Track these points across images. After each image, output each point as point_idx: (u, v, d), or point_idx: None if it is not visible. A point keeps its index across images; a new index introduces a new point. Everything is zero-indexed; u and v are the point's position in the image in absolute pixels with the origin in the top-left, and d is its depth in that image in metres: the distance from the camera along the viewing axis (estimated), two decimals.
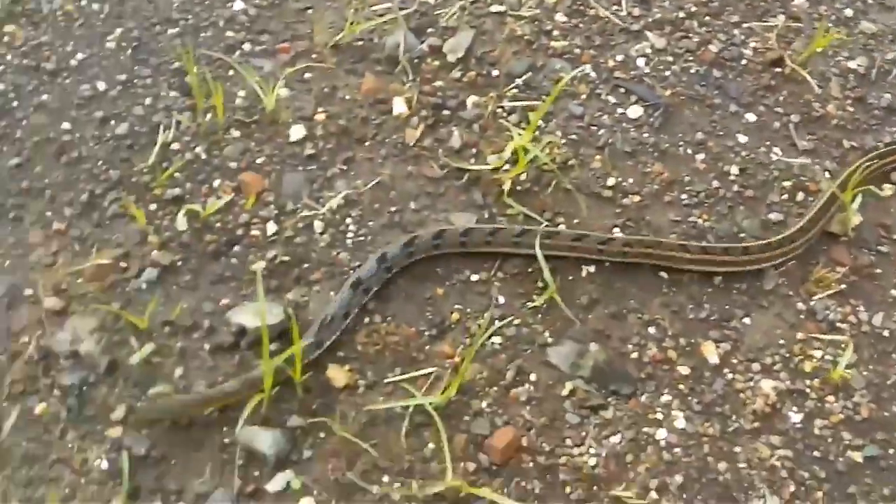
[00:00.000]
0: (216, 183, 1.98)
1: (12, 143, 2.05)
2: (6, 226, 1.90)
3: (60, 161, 2.01)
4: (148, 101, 2.13)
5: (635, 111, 2.18)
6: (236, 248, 1.88)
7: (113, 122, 2.09)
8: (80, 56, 2.25)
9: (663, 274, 1.89)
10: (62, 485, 1.57)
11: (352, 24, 2.27)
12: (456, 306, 1.82)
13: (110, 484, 1.57)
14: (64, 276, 1.81)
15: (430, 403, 1.64)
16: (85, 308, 1.77)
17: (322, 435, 1.63)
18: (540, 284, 1.84)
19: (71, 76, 2.22)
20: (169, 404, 1.66)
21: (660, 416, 1.69)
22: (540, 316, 1.82)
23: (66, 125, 2.08)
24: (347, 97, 2.16)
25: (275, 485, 1.57)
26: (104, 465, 1.59)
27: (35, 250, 1.86)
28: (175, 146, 2.03)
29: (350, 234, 1.92)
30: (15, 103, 2.15)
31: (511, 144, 1.97)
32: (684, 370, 1.76)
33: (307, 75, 2.21)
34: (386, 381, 1.71)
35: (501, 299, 1.83)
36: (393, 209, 1.96)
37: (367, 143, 2.08)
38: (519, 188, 1.99)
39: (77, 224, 1.90)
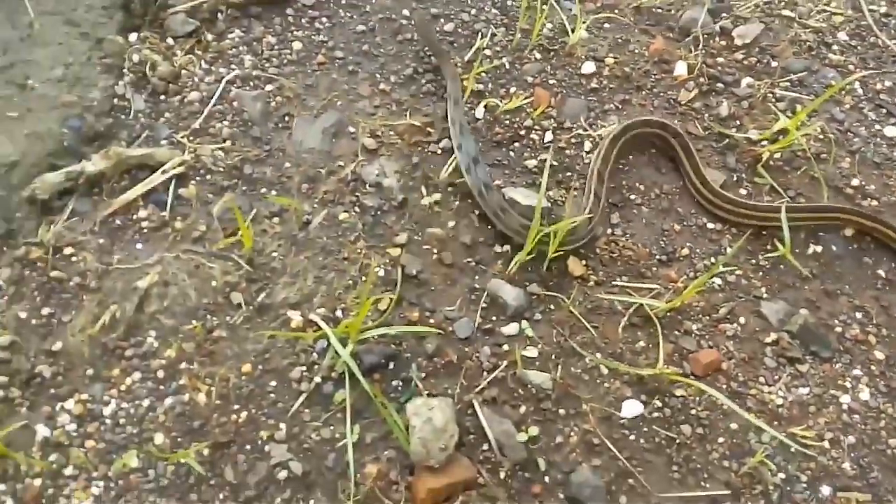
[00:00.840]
0: (512, 90, 2.33)
1: (361, 14, 2.47)
2: (344, 75, 2.32)
3: (396, 38, 2.42)
4: (473, 11, 2.51)
5: (891, 131, 2.36)
6: (516, 144, 2.22)
7: (442, 20, 2.48)
8: None
9: (881, 272, 2.08)
10: (346, 276, 1.95)
11: None
12: (688, 244, 2.08)
13: (382, 288, 1.94)
14: (380, 125, 2.21)
15: (652, 308, 1.92)
16: (392, 154, 2.16)
17: (552, 307, 1.94)
18: (769, 247, 2.07)
19: None
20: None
21: (848, 384, 1.89)
22: (761, 273, 2.05)
23: (405, 12, 2.48)
24: (636, 51, 2.47)
25: (509, 329, 1.89)
26: (381, 272, 1.96)
27: (362, 100, 2.27)
28: (487, 52, 2.40)
29: None
30: None
31: (777, 125, 2.21)
32: (880, 355, 1.94)
33: (606, 25, 2.54)
34: (613, 283, 2.00)
35: (729, 250, 2.07)
36: None
37: (643, 92, 2.37)
38: (771, 163, 2.22)
39: (398, 90, 2.30)
